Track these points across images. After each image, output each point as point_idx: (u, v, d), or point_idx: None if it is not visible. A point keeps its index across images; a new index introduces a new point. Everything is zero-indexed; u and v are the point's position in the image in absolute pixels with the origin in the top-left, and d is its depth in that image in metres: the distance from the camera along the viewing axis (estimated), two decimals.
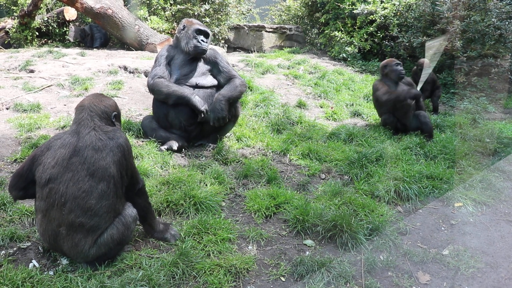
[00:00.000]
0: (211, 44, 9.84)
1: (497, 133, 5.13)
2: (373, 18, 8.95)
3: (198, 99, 4.01)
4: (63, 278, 2.23)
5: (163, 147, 3.99)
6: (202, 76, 4.18)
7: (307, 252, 2.67)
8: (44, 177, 2.27)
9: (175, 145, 4.02)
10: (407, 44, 8.28)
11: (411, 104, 5.08)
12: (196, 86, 4.09)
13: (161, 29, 9.77)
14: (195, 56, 4.16)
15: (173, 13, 10.19)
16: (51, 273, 2.33)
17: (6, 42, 9.11)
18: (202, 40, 4.09)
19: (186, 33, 4.14)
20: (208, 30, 4.20)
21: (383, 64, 5.26)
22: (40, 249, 2.53)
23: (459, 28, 7.16)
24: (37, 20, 9.21)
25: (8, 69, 6.57)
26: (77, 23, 10.11)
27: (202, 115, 4.02)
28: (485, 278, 2.48)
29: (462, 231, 3.00)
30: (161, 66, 4.15)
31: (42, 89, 5.59)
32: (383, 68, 5.23)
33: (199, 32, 4.12)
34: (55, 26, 9.59)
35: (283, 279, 2.41)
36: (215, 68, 4.24)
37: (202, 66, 4.21)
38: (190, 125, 4.16)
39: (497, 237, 2.93)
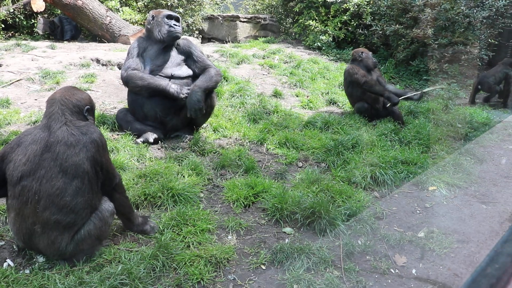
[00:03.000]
0: (185, 34, 9.74)
1: (467, 118, 5.30)
2: (347, 7, 9.01)
3: (175, 87, 3.98)
4: (40, 276, 2.18)
5: (139, 140, 3.93)
6: (177, 66, 4.12)
7: (287, 240, 2.70)
8: (16, 175, 2.20)
9: (151, 137, 3.97)
10: (381, 32, 8.39)
11: None
12: (171, 77, 4.04)
13: (134, 20, 9.57)
14: (170, 42, 4.11)
15: (145, 3, 10.00)
16: (27, 271, 2.27)
17: None
18: (174, 25, 4.05)
19: (156, 22, 4.08)
20: (178, 15, 4.18)
21: (360, 51, 5.38)
22: (14, 247, 2.47)
23: (430, 16, 7.29)
24: (2, 12, 8.84)
25: None
26: (45, 15, 9.74)
27: (184, 98, 4.00)
28: (457, 254, 2.58)
29: (436, 213, 3.09)
30: (134, 58, 4.08)
31: (11, 84, 5.40)
32: (360, 54, 5.33)
33: (170, 17, 4.08)
34: (22, 18, 9.22)
35: (263, 267, 2.43)
36: (189, 58, 4.20)
37: (176, 57, 4.16)
38: (166, 116, 4.11)
39: (468, 216, 3.04)
